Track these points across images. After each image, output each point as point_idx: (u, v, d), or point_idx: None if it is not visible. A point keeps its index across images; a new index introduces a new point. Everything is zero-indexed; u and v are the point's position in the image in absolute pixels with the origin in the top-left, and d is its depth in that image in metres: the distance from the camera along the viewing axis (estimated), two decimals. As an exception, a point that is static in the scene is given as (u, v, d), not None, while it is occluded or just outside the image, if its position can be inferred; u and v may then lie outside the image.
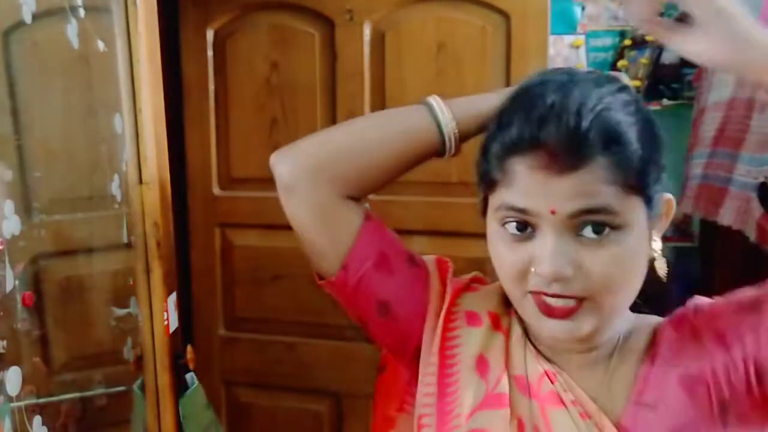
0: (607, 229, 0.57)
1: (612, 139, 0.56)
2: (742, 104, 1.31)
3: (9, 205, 0.82)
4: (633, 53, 1.82)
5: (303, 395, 1.86)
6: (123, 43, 1.10)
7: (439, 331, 0.71)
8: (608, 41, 1.86)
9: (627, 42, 1.83)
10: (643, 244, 0.61)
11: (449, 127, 0.69)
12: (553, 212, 0.56)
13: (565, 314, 0.59)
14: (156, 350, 1.16)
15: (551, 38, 1.73)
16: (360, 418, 1.81)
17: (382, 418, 0.76)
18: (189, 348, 1.23)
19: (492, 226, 0.63)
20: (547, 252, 0.57)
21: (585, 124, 0.55)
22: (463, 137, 0.71)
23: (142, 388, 1.17)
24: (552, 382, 0.65)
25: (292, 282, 1.78)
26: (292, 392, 1.86)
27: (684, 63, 1.74)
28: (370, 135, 0.71)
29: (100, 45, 1.07)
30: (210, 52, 1.79)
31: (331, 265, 0.70)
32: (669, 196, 0.64)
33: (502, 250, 0.61)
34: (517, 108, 0.60)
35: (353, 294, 0.71)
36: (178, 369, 1.19)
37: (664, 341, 0.65)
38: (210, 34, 1.79)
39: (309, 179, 0.69)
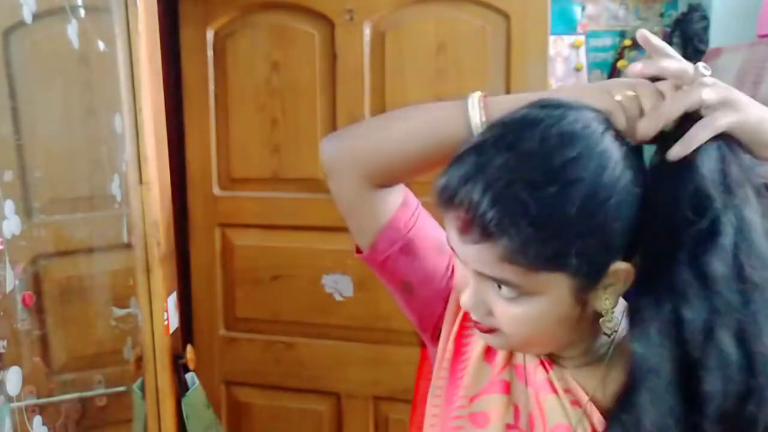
0: (518, 292, 0.58)
1: (506, 226, 0.54)
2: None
3: (9, 205, 0.81)
4: (633, 53, 1.82)
5: (303, 395, 1.85)
6: (123, 43, 1.10)
7: (458, 320, 0.74)
8: (608, 41, 1.86)
9: (627, 42, 1.83)
10: (566, 307, 0.59)
11: (479, 130, 0.66)
12: (467, 264, 0.60)
13: (483, 331, 0.64)
14: (156, 350, 1.16)
15: (551, 38, 1.73)
16: (360, 418, 1.81)
17: (423, 394, 0.79)
18: (189, 348, 1.23)
19: None
20: (467, 289, 0.62)
21: (484, 206, 0.55)
22: None
23: (142, 388, 1.17)
24: (546, 371, 0.68)
25: (292, 282, 1.78)
26: (292, 392, 1.86)
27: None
28: (405, 132, 0.70)
29: (100, 45, 1.07)
30: (210, 52, 1.79)
31: (364, 242, 0.75)
32: (624, 266, 0.57)
33: (456, 263, 0.65)
34: (458, 156, 0.59)
35: (380, 270, 0.76)
36: (178, 369, 1.19)
37: None
38: (210, 34, 1.78)
39: (345, 167, 0.72)
